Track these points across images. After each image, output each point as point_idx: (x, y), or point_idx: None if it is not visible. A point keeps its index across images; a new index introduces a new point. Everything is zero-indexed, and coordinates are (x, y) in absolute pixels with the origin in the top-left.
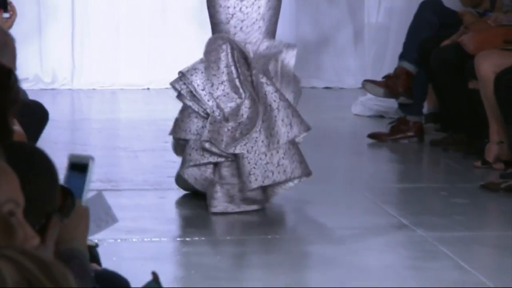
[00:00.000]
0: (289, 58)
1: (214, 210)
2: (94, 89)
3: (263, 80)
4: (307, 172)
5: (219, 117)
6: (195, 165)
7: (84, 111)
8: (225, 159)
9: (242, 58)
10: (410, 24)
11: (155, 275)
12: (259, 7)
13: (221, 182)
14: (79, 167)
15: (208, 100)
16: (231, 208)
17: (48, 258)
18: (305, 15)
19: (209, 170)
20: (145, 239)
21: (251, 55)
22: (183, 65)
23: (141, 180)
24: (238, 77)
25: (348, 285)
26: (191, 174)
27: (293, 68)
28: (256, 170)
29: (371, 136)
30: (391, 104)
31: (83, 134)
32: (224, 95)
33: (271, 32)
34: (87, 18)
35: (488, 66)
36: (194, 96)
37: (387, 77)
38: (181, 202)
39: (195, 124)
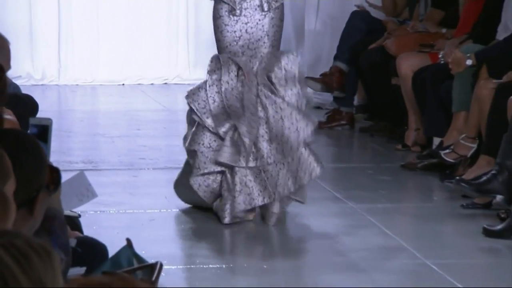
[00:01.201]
0: (292, 63)
1: (226, 221)
2: (77, 84)
3: (266, 93)
4: (322, 166)
5: (226, 129)
6: (205, 174)
7: (68, 104)
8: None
9: (242, 75)
10: (343, 30)
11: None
12: (263, 25)
13: (231, 194)
14: (40, 128)
15: (207, 118)
16: (240, 218)
17: (34, 246)
18: None
19: (217, 181)
20: (121, 211)
21: (254, 69)
22: (153, 64)
23: (117, 161)
24: (240, 94)
25: (295, 242)
26: (198, 182)
27: (297, 71)
28: (280, 179)
29: None
30: (327, 97)
31: (68, 122)
32: (223, 113)
33: (276, 46)
34: (71, 24)
35: (407, 66)
36: (205, 110)
37: (323, 74)
38: (152, 180)
39: (208, 137)
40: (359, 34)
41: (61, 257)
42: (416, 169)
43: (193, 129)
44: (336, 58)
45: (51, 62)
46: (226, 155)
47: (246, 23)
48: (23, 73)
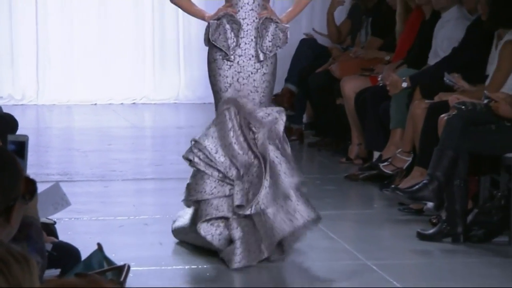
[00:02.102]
0: (282, 121)
1: (236, 266)
2: (54, 104)
3: (266, 140)
4: (319, 215)
5: (233, 176)
6: (209, 220)
7: (46, 122)
8: (237, 216)
9: (245, 120)
10: (293, 56)
11: (99, 246)
12: (254, 80)
13: (241, 239)
14: (18, 145)
15: (223, 162)
16: (251, 262)
17: (14, 254)
18: None
19: (222, 225)
20: (93, 218)
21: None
22: (122, 85)
23: (90, 173)
24: (245, 138)
25: None
26: (206, 230)
27: (282, 130)
28: (276, 223)
29: None
30: None
31: (46, 138)
32: (235, 156)
33: (264, 103)
34: (48, 49)
35: (350, 88)
36: (208, 160)
37: (275, 95)
38: (121, 190)
39: (208, 185)
40: (307, 59)
41: (38, 261)
42: (358, 180)
43: (191, 180)
44: (286, 80)
45: (30, 84)
46: (239, 197)
47: (238, 72)
48: (4, 94)
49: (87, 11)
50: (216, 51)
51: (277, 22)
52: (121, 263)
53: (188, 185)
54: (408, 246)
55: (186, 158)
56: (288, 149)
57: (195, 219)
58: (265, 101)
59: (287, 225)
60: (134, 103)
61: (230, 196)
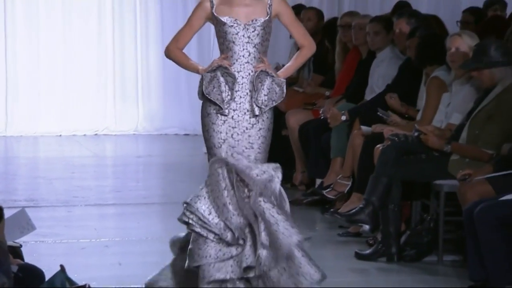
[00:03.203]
0: (278, 178)
1: None
2: (21, 136)
3: (260, 199)
4: (323, 275)
5: (228, 238)
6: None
7: (14, 151)
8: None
9: (239, 180)
10: None
11: (62, 267)
12: (249, 136)
13: None
14: None
15: (217, 224)
16: None
17: None
18: None
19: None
20: (57, 241)
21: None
22: (85, 118)
23: (54, 199)
24: (240, 198)
25: None
26: None
27: (278, 189)
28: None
29: None
30: None
31: (13, 167)
32: (229, 218)
33: (260, 159)
34: (17, 84)
35: (294, 120)
36: (202, 222)
37: None
38: (84, 215)
39: (213, 248)
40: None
41: (4, 281)
42: (302, 204)
43: (192, 245)
44: None
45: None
46: (248, 258)
47: (233, 127)
48: None
49: (53, 49)
50: (210, 104)
51: (273, 76)
52: (82, 283)
53: (190, 250)
54: (347, 265)
55: (181, 221)
56: (286, 207)
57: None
58: (261, 158)
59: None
60: (96, 134)
61: (235, 257)
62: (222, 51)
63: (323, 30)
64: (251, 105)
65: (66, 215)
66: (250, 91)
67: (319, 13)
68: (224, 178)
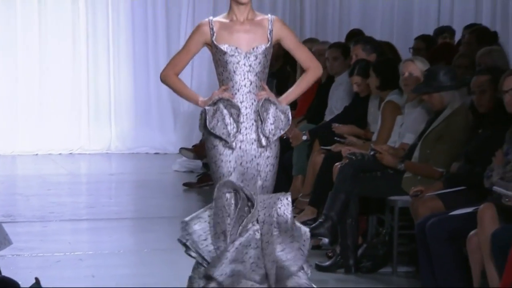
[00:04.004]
0: (285, 208)
1: None
2: None
3: (263, 231)
4: None
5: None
6: None
7: None
8: None
9: (246, 206)
10: None
11: (37, 280)
12: (257, 163)
13: None
14: None
15: (210, 252)
16: None
17: None
18: None
19: None
20: (33, 255)
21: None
22: (61, 138)
23: (31, 215)
24: (241, 225)
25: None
26: None
27: (290, 217)
28: None
29: (185, 184)
30: (198, 163)
31: None
32: (221, 248)
33: (267, 187)
34: None
35: None
36: (196, 246)
37: (195, 145)
38: (59, 229)
39: None
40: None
41: None
42: None
43: (193, 273)
44: None
45: None
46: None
47: (241, 157)
48: None
49: (30, 71)
50: (215, 137)
51: (276, 104)
52: None
53: (190, 278)
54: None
55: (180, 242)
56: (296, 232)
57: None
58: (268, 185)
59: None
60: (71, 153)
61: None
62: (221, 80)
63: (285, 56)
64: (258, 135)
65: (42, 230)
66: (255, 120)
67: None
68: (230, 205)
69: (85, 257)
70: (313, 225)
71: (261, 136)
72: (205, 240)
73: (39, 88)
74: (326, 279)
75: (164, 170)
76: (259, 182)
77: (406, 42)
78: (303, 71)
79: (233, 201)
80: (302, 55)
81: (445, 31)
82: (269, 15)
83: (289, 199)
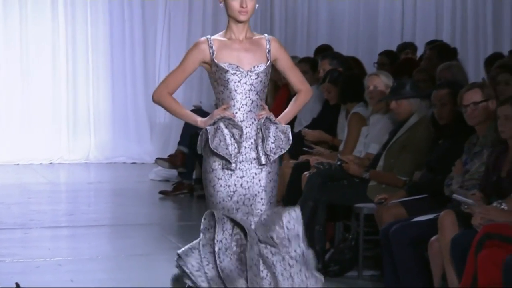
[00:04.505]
0: (294, 220)
1: None
2: None
3: (267, 250)
4: None
5: None
6: None
7: None
8: None
9: (241, 232)
10: (184, 122)
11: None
12: (259, 180)
13: None
14: None
15: (202, 281)
16: None
17: None
18: None
19: None
20: (14, 260)
21: (253, 226)
22: (41, 148)
23: (12, 222)
24: (234, 255)
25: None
26: None
27: (301, 229)
28: None
29: (161, 192)
30: (173, 172)
31: None
32: (222, 277)
33: (273, 202)
34: None
35: None
36: (191, 277)
37: (170, 156)
38: (39, 236)
39: None
40: (194, 127)
41: None
42: None
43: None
44: (179, 143)
45: None
46: None
47: (241, 177)
48: None
49: (11, 83)
50: (214, 160)
51: (276, 123)
52: None
53: None
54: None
55: (178, 266)
56: (307, 250)
57: None
58: (274, 201)
59: None
60: (51, 163)
61: None
62: (221, 99)
63: None
64: (257, 153)
65: (23, 237)
66: (254, 140)
67: None
68: (223, 232)
69: (64, 262)
70: None
71: (261, 154)
72: (198, 271)
73: (21, 101)
74: None
75: (140, 179)
76: (266, 199)
77: (371, 57)
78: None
79: (225, 228)
80: (295, 78)
81: (408, 47)
82: (266, 35)
83: (298, 211)
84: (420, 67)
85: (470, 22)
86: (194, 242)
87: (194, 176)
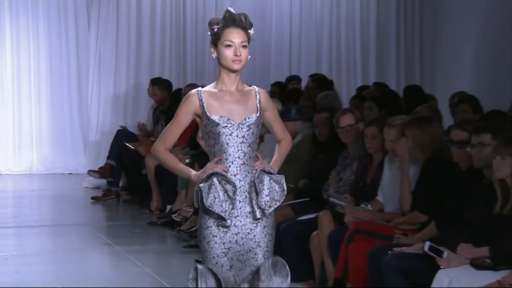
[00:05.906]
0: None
1: None
2: None
3: None
4: None
5: None
6: None
7: None
8: None
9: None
10: (112, 140)
11: None
12: (254, 235)
13: None
14: None
15: None
16: None
17: None
18: None
19: None
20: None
21: (247, 285)
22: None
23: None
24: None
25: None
26: None
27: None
28: None
29: (92, 198)
30: (103, 182)
31: None
32: None
33: (268, 257)
34: None
35: (151, 163)
36: None
37: (101, 168)
38: (35, 234)
39: None
40: (122, 143)
41: None
42: (157, 225)
43: None
44: (108, 157)
45: None
46: None
47: (236, 234)
48: None
49: None
50: (209, 217)
51: (270, 173)
52: None
53: None
54: (189, 269)
55: None
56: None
57: None
58: (269, 255)
59: None
60: (0, 174)
61: None
62: (213, 152)
63: (172, 98)
64: (252, 207)
65: (17, 233)
66: (249, 193)
67: (168, 84)
68: (211, 284)
69: (10, 256)
70: (194, 228)
71: (256, 208)
72: None
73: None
74: None
75: (75, 187)
76: (260, 254)
77: (264, 87)
78: None
79: (213, 280)
80: (278, 129)
81: (294, 78)
82: (254, 86)
83: (287, 266)
84: (304, 95)
85: (344, 58)
86: None
87: (120, 184)
